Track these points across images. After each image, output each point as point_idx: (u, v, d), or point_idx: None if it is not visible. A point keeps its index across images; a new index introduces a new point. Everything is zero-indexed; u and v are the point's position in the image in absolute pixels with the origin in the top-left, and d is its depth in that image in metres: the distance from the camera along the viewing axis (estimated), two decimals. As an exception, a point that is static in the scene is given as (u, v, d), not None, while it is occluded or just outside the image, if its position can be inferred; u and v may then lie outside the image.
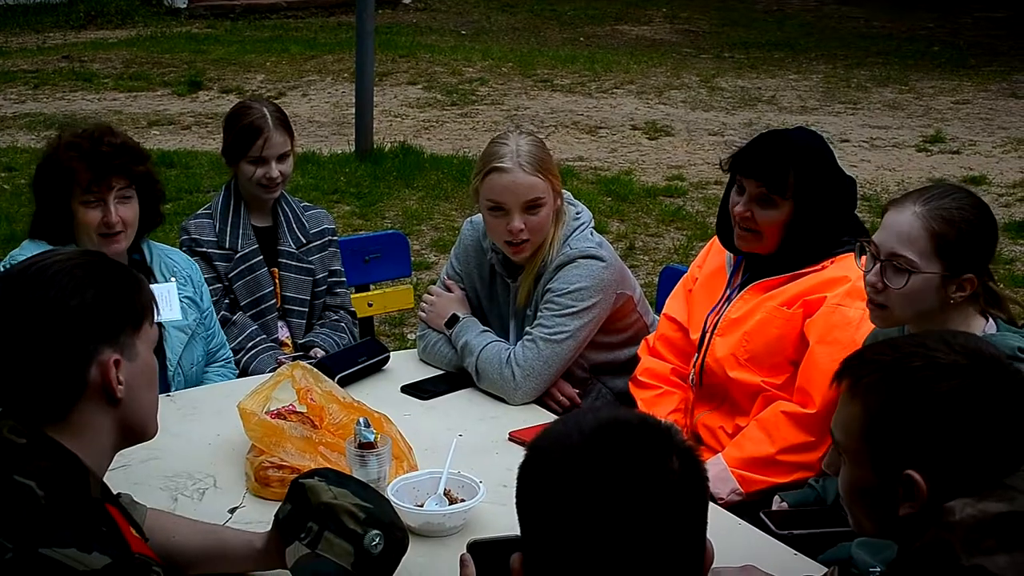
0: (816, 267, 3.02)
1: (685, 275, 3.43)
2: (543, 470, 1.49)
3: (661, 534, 1.43)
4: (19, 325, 1.81)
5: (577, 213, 3.44)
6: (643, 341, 3.43)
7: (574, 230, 3.38)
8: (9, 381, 1.84)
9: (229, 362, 3.67)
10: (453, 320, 3.43)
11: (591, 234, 3.41)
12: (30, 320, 1.81)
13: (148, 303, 1.94)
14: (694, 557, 1.48)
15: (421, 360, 3.54)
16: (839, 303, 2.94)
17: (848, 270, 2.94)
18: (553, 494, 1.46)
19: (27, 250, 3.19)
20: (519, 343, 3.31)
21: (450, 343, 3.44)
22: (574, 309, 3.28)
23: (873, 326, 2.72)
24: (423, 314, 3.56)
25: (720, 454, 2.96)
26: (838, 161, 3.16)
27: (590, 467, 1.44)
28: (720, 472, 2.91)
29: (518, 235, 3.27)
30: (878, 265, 2.52)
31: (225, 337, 3.68)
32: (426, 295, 3.62)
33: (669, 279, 3.82)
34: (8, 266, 3.13)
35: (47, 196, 3.27)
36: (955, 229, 2.48)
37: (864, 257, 2.58)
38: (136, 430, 1.94)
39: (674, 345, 3.33)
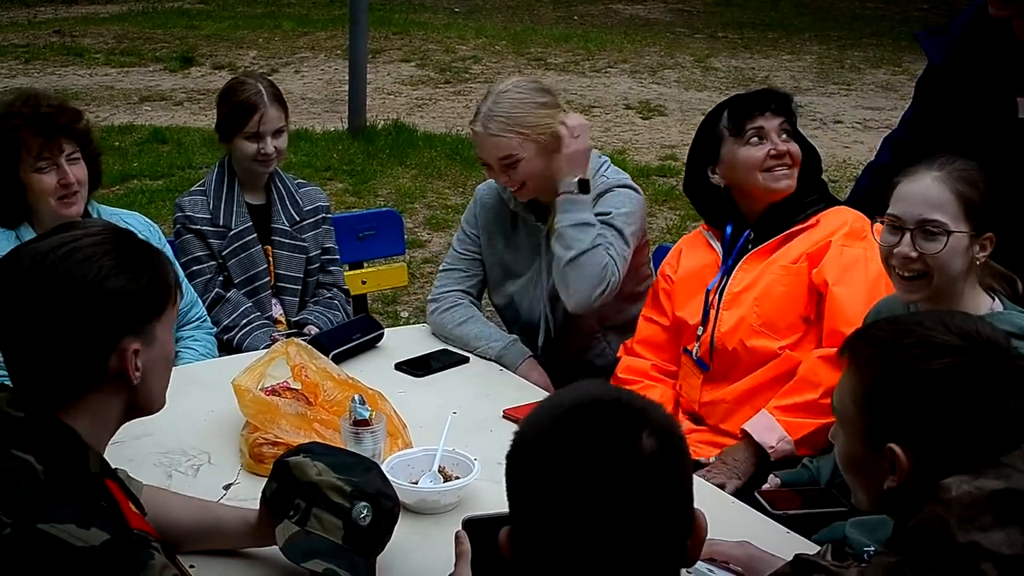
0: (806, 224, 3.08)
1: (654, 281, 3.43)
2: (520, 451, 1.52)
3: (632, 511, 1.44)
4: (46, 310, 1.79)
5: (598, 153, 3.51)
6: (621, 345, 3.45)
7: (600, 166, 3.45)
8: (27, 364, 1.83)
9: (204, 321, 3.66)
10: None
11: (617, 170, 3.51)
12: (58, 306, 1.79)
13: (173, 287, 1.93)
14: (675, 531, 1.49)
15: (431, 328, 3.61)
16: (843, 244, 3.00)
17: (838, 217, 3.07)
18: (528, 475, 1.49)
19: None
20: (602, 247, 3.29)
21: (462, 320, 3.54)
22: (626, 232, 3.34)
23: (881, 297, 2.74)
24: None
25: (764, 409, 2.97)
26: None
27: (558, 449, 1.47)
28: (767, 422, 2.93)
29: (506, 187, 3.42)
30: (907, 235, 2.51)
31: (198, 298, 3.68)
32: None
33: (662, 258, 3.82)
34: None
35: None
36: (976, 189, 2.51)
37: (884, 233, 2.58)
38: (144, 408, 1.95)
39: (654, 344, 3.35)
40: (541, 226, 3.48)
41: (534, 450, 1.50)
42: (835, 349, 2.86)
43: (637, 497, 1.44)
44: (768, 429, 2.92)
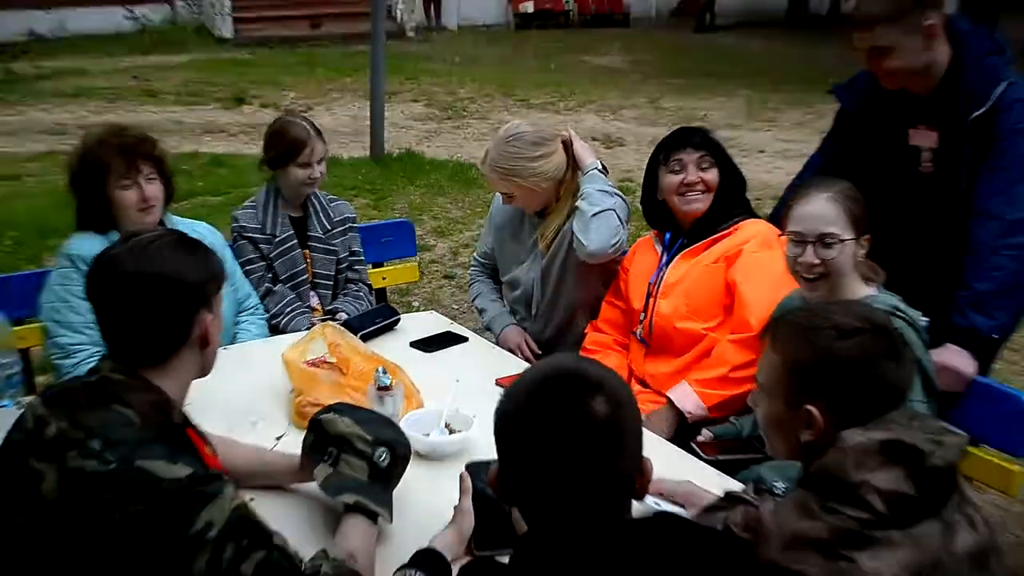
0: (727, 232, 3.12)
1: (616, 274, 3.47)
2: (503, 411, 1.56)
3: (588, 460, 1.47)
4: (146, 294, 1.84)
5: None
6: (589, 323, 3.48)
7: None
8: (130, 335, 1.87)
9: (258, 309, 3.66)
10: None
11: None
12: (156, 291, 1.84)
13: (223, 272, 1.98)
14: (626, 473, 1.52)
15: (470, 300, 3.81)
16: (753, 251, 3.03)
17: (752, 229, 3.09)
18: (508, 430, 1.54)
19: (78, 241, 3.17)
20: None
21: (475, 295, 3.78)
22: (622, 218, 3.34)
23: (788, 294, 2.79)
24: None
25: (685, 380, 3.01)
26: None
27: (528, 411, 1.51)
28: (686, 391, 2.96)
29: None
30: (810, 247, 2.55)
31: (253, 290, 3.68)
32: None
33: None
34: (65, 258, 3.15)
35: (87, 189, 3.18)
36: (858, 203, 2.55)
37: (790, 247, 2.61)
38: (206, 368, 1.98)
39: (614, 323, 3.39)
40: (540, 220, 3.53)
41: (512, 411, 1.54)
42: (742, 335, 2.94)
43: (591, 450, 1.47)
44: (687, 397, 2.96)
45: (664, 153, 3.19)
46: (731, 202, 3.17)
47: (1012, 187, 2.85)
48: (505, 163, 3.36)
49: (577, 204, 3.34)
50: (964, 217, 2.95)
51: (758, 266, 3.00)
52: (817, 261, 2.54)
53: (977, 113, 2.90)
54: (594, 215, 3.27)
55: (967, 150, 2.95)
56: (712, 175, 3.13)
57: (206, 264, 1.92)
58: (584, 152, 3.45)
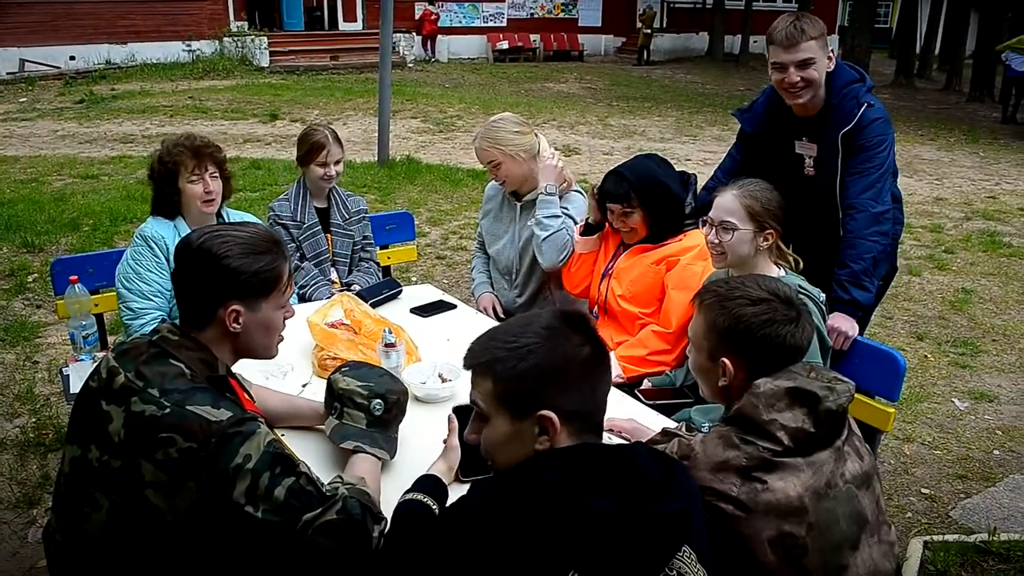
0: (675, 238, 3.04)
1: None
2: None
3: (582, 381, 1.47)
4: (189, 263, 1.78)
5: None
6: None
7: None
8: (179, 296, 1.81)
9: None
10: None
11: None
12: (195, 263, 1.77)
13: (279, 281, 1.82)
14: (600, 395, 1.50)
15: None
16: (688, 263, 2.96)
17: (695, 240, 2.98)
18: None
19: (152, 223, 3.11)
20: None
21: (471, 269, 3.68)
22: (577, 219, 3.31)
23: (713, 271, 2.76)
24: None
25: (613, 352, 2.96)
26: (674, 166, 3.17)
27: (541, 346, 1.50)
28: (612, 362, 2.90)
29: (496, 181, 3.44)
30: (714, 229, 2.55)
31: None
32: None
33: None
34: (139, 237, 3.08)
35: (162, 181, 3.11)
36: (757, 201, 2.52)
37: (704, 227, 2.61)
38: (248, 354, 1.87)
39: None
40: (516, 202, 3.50)
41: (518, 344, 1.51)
42: (663, 330, 2.90)
43: (577, 378, 1.47)
44: (612, 365, 2.89)
45: (599, 197, 3.12)
46: (669, 221, 3.05)
47: (875, 186, 2.89)
48: (492, 135, 3.34)
49: (532, 227, 3.33)
50: (837, 209, 2.97)
51: (690, 277, 2.92)
52: (716, 240, 2.54)
53: (845, 129, 2.93)
54: (545, 239, 3.28)
55: (840, 158, 2.97)
56: (634, 219, 3.01)
57: (261, 267, 1.77)
58: (545, 173, 3.36)
